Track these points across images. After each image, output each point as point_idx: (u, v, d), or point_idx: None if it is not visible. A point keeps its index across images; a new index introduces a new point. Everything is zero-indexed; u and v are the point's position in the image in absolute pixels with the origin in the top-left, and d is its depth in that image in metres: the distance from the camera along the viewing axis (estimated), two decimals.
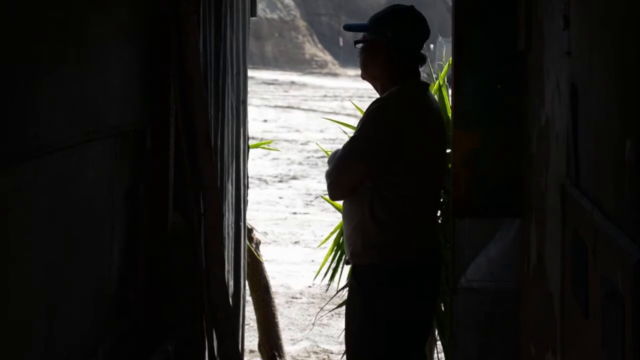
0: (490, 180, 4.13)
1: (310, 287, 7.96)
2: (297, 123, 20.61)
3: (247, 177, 5.24)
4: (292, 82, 30.51)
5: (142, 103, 3.87)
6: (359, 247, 3.73)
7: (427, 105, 3.84)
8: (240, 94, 5.01)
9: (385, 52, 3.82)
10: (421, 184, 3.77)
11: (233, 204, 4.86)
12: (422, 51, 3.94)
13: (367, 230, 3.71)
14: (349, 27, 4.09)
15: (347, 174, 3.73)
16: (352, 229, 3.76)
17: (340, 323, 6.95)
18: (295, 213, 11.83)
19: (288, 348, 6.23)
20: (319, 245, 6.31)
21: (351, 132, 5.52)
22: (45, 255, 2.79)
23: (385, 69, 3.83)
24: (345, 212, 3.82)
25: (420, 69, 3.91)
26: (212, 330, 4.17)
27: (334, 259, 4.95)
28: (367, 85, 4.37)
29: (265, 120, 20.25)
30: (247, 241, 5.30)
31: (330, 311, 6.44)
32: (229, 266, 4.67)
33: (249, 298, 5.73)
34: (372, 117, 3.73)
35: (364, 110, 3.88)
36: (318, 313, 6.78)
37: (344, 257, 4.14)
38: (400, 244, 3.73)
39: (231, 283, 4.75)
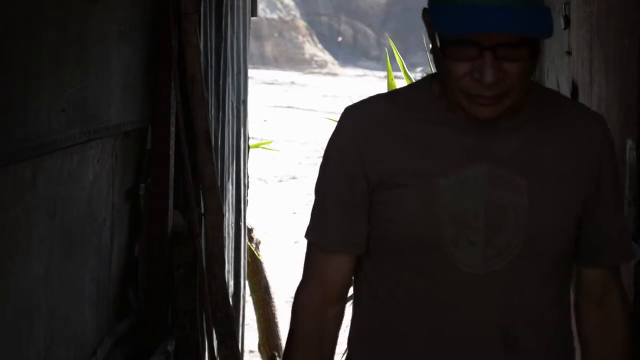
0: None
1: None
2: (297, 123, 20.60)
3: (247, 177, 5.24)
4: (292, 82, 30.50)
5: (143, 103, 3.87)
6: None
7: None
8: (240, 93, 5.01)
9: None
10: None
11: (233, 204, 4.86)
12: None
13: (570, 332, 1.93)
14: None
15: None
16: (556, 334, 1.87)
17: None
18: (295, 213, 11.83)
19: None
20: None
21: None
22: (45, 255, 2.79)
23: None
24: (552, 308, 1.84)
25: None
26: (212, 330, 4.17)
27: None
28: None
29: (265, 120, 20.24)
30: (247, 241, 5.30)
31: None
32: (229, 266, 4.67)
33: (249, 298, 5.72)
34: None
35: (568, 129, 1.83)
36: None
37: None
38: None
39: (231, 283, 4.75)
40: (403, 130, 1.78)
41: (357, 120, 1.83)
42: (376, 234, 1.82)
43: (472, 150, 1.74)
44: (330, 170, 1.85)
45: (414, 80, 5.59)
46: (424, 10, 1.71)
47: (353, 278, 1.90)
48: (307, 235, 1.92)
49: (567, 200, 1.76)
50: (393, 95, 1.88)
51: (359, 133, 1.81)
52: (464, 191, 1.73)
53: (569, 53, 3.07)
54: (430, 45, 1.71)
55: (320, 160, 1.88)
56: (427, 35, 1.74)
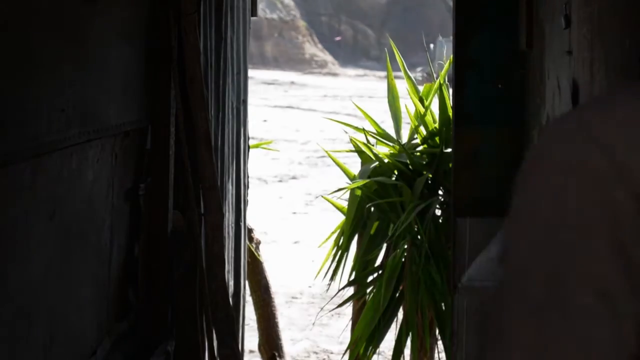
0: (491, 179, 4.13)
1: (310, 287, 7.95)
2: (297, 123, 20.61)
3: (247, 177, 5.24)
4: (292, 82, 30.53)
5: (142, 103, 3.87)
6: None
7: None
8: (240, 93, 5.01)
9: None
10: None
11: (233, 203, 4.86)
12: None
13: None
14: None
15: None
16: None
17: (340, 323, 6.94)
18: (295, 213, 11.83)
19: (288, 348, 6.22)
20: (319, 246, 6.31)
21: (351, 132, 5.50)
22: (44, 255, 2.79)
23: None
24: None
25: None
26: (212, 330, 4.17)
27: (334, 259, 4.94)
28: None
29: (265, 120, 20.25)
30: (247, 241, 5.29)
31: (330, 311, 6.42)
32: (229, 266, 4.67)
33: (249, 298, 5.72)
34: None
35: None
36: (318, 313, 6.78)
37: None
38: None
39: (231, 283, 4.74)
40: None
41: (615, 140, 0.86)
42: None
43: None
44: (575, 236, 0.88)
45: (414, 81, 5.58)
46: None
47: None
48: None
49: None
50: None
51: (626, 162, 0.86)
52: None
53: (569, 53, 3.06)
54: None
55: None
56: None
